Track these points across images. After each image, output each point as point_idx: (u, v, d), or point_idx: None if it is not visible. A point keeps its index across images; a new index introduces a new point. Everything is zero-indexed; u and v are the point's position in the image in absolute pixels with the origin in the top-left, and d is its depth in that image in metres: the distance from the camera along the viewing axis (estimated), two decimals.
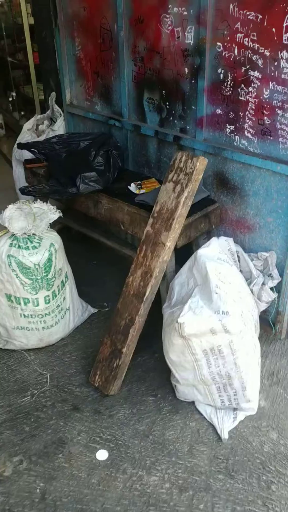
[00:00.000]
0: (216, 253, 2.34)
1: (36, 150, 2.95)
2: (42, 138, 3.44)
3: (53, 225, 2.62)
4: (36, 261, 2.38)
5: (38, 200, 2.60)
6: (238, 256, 2.53)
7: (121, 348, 2.29)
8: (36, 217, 2.51)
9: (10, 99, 5.98)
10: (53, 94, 3.57)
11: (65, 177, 2.70)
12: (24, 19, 4.46)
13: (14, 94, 5.89)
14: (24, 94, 5.48)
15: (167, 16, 2.45)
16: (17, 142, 3.72)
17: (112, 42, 2.86)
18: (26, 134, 3.68)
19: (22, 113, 5.52)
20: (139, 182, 2.70)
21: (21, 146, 3.04)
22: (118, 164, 2.79)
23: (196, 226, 2.44)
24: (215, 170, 2.57)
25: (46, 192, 2.67)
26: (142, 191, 2.62)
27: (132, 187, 2.66)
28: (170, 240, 2.23)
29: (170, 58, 2.54)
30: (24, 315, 2.50)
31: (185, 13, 2.36)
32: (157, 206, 2.29)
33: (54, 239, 2.48)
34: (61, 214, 2.57)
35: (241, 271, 2.54)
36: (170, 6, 2.42)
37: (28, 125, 3.70)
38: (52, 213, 2.56)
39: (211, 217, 2.51)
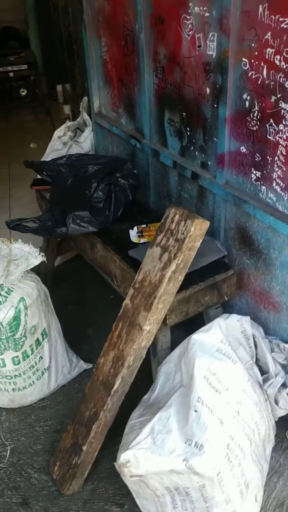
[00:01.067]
0: (216, 342, 1.75)
1: (43, 172, 2.54)
2: (64, 151, 3.01)
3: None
4: None
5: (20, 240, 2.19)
6: (255, 340, 1.91)
7: (81, 445, 1.83)
8: (12, 261, 2.11)
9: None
10: (85, 99, 3.11)
11: (60, 210, 2.25)
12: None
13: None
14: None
15: (188, 17, 1.84)
16: (47, 150, 3.34)
17: (134, 45, 2.30)
18: (57, 142, 3.27)
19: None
20: (144, 226, 2.16)
21: (28, 165, 2.64)
22: (126, 199, 2.28)
23: (198, 300, 1.86)
24: (237, 223, 1.95)
25: (35, 229, 2.25)
26: (142, 241, 2.08)
27: (133, 233, 2.13)
28: (151, 323, 1.69)
29: (191, 72, 1.94)
30: None
31: (206, 14, 1.74)
32: (140, 274, 1.75)
33: (28, 291, 2.06)
34: (44, 258, 2.15)
35: (258, 359, 1.93)
36: (190, 4, 1.80)
37: (59, 132, 3.28)
38: (33, 257, 2.14)
39: (221, 287, 1.91)
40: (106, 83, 2.75)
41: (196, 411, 1.53)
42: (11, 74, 6.16)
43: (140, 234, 2.09)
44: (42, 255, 2.15)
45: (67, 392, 2.39)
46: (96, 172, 2.33)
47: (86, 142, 3.04)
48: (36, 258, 2.14)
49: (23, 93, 6.34)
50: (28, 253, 2.16)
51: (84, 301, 2.99)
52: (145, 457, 1.42)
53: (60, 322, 2.37)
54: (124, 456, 1.42)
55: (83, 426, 1.85)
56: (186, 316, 1.87)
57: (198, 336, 1.76)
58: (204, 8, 1.73)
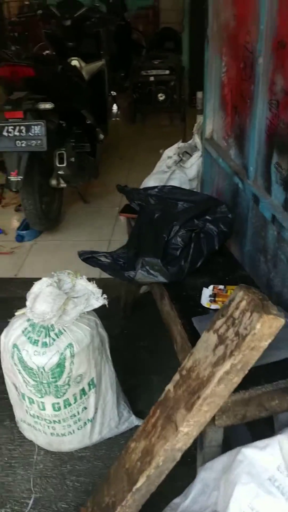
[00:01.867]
0: (271, 467, 1.35)
1: (134, 200, 2.32)
2: (167, 175, 2.75)
3: None
4: (40, 363, 1.81)
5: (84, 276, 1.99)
6: None
7: None
8: (72, 299, 1.92)
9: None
10: (201, 118, 2.80)
11: (136, 249, 2.01)
12: None
13: None
14: None
15: None
16: (154, 169, 3.13)
17: (252, 70, 1.93)
18: (164, 163, 3.03)
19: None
20: (220, 287, 1.80)
21: (120, 189, 2.44)
22: (210, 248, 1.94)
23: (261, 404, 1.46)
24: None
25: (104, 266, 2.04)
26: (213, 306, 1.72)
27: (206, 293, 1.78)
28: (190, 426, 1.36)
29: None
30: (30, 414, 2.00)
31: None
32: (189, 360, 1.42)
33: (79, 337, 1.85)
34: (106, 302, 1.92)
35: None
36: None
37: (169, 152, 3.04)
38: (95, 298, 1.93)
39: None
40: (221, 107, 2.42)
41: None
42: (151, 78, 6.09)
43: (212, 298, 1.74)
44: (105, 298, 1.93)
45: (111, 447, 2.15)
46: (182, 212, 2.02)
47: (192, 169, 2.74)
48: (98, 300, 1.93)
49: (161, 98, 6.24)
50: (91, 292, 1.96)
51: (157, 340, 2.71)
52: None
53: (124, 360, 2.16)
54: None
55: (100, 510, 1.59)
56: (243, 419, 1.49)
57: (249, 452, 1.37)
58: None
